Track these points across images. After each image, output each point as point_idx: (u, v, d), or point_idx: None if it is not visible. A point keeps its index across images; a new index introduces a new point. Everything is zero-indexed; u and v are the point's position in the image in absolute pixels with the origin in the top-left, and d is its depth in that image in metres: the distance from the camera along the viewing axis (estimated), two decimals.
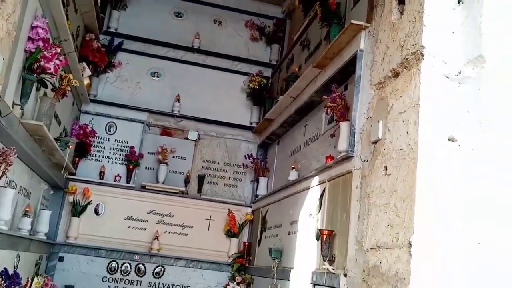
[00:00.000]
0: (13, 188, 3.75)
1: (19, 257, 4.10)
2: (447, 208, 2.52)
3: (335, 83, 4.03)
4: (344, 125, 3.70)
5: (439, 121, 2.57)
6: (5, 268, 3.31)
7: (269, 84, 6.79)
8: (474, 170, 2.46)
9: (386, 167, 2.93)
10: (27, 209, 4.31)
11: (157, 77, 6.78)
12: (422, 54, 2.62)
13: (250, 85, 6.66)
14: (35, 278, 4.66)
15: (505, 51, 2.45)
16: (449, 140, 2.57)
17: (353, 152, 3.48)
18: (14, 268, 3.89)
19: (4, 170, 3.12)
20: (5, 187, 3.54)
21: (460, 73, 2.59)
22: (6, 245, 3.65)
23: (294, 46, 5.87)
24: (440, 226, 2.51)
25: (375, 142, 3.13)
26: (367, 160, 3.24)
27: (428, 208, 2.52)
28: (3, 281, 3.14)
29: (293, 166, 5.08)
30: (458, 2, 2.66)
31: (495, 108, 2.44)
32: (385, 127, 3.00)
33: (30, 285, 3.97)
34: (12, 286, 3.13)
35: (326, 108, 3.95)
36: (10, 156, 3.10)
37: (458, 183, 2.50)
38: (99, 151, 6.35)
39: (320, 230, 3.71)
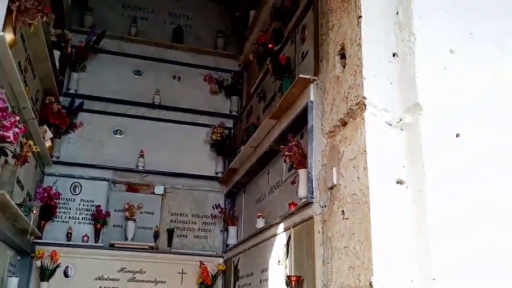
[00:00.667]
0: None
1: None
2: (401, 247, 2.63)
3: (291, 133, 4.17)
4: (302, 173, 3.82)
5: (386, 166, 2.73)
6: None
7: (231, 134, 6.93)
8: (421, 210, 2.60)
9: (343, 212, 3.05)
10: None
11: (120, 134, 6.82)
12: (364, 105, 2.81)
13: (213, 136, 6.78)
14: None
15: (438, 98, 2.65)
16: (397, 183, 2.72)
17: (313, 198, 3.59)
18: None
19: None
20: None
21: (401, 120, 2.77)
22: None
23: (252, 98, 6.06)
24: (397, 265, 2.62)
25: (331, 188, 3.25)
26: (326, 206, 3.35)
27: (384, 248, 2.63)
28: None
29: (260, 214, 5.14)
30: (393, 55, 2.87)
31: (435, 150, 2.61)
32: (338, 173, 3.13)
33: None
34: None
35: (284, 157, 4.07)
36: None
37: (408, 223, 2.63)
38: (65, 212, 6.28)
39: (288, 276, 3.76)
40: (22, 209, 4.49)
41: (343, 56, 3.22)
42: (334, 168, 3.20)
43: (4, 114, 3.47)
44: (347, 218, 2.97)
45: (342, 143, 3.12)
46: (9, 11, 3.39)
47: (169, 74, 7.24)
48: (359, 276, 2.73)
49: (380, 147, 2.77)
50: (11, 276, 5.04)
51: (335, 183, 3.18)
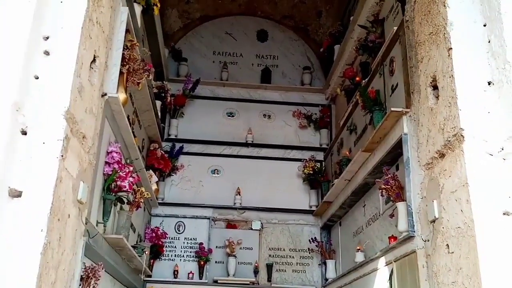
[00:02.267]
0: None
1: None
2: None
3: (385, 165, 4.15)
4: (401, 206, 3.76)
5: (490, 197, 2.64)
6: None
7: (323, 168, 6.97)
8: None
9: (448, 245, 2.96)
10: None
11: (217, 174, 7.13)
12: (462, 136, 2.76)
13: (305, 170, 6.87)
14: None
15: None
16: (504, 214, 2.62)
17: (414, 232, 3.51)
18: None
19: (94, 284, 3.40)
20: None
21: (502, 149, 2.69)
22: None
23: (342, 130, 6.08)
24: None
25: (433, 221, 3.18)
26: (429, 240, 3.27)
27: (495, 284, 2.53)
28: None
29: (358, 248, 5.08)
30: (489, 84, 2.81)
31: None
32: (440, 206, 3.06)
33: None
34: None
35: (380, 190, 4.04)
36: (99, 271, 3.39)
37: None
38: (171, 250, 6.63)
39: None
40: (135, 250, 4.82)
41: (435, 88, 3.20)
42: (435, 201, 3.14)
43: (120, 165, 3.82)
44: (453, 252, 2.89)
45: (442, 175, 3.06)
46: (120, 73, 3.76)
47: (260, 113, 7.49)
48: None
49: (482, 178, 2.69)
50: None
51: (437, 216, 3.11)
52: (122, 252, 4.42)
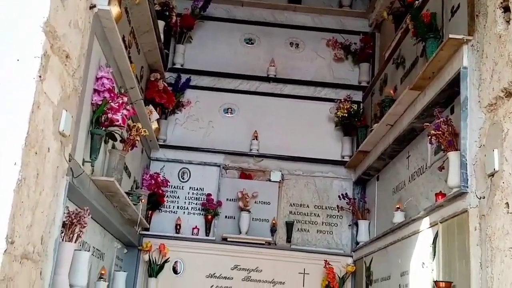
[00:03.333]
0: (87, 251, 4.12)
1: None
2: None
3: (438, 106, 4.06)
4: (453, 156, 3.71)
5: None
6: None
7: (361, 110, 6.88)
8: None
9: (507, 204, 2.93)
10: (102, 272, 4.68)
11: (231, 113, 7.11)
12: None
13: (338, 113, 6.79)
14: None
15: None
16: None
17: (467, 187, 3.47)
18: None
19: (79, 232, 3.46)
20: (80, 249, 3.89)
21: None
22: None
23: (387, 64, 5.95)
24: None
25: (492, 175, 3.14)
26: (484, 197, 3.24)
27: None
28: None
29: (398, 206, 5.08)
30: None
31: None
32: (501, 156, 3.01)
33: None
34: None
35: (429, 137, 3.98)
36: (85, 218, 3.44)
37: None
38: (173, 201, 6.73)
39: (435, 282, 3.71)
40: (130, 197, 4.90)
41: (506, 9, 3.06)
42: (495, 151, 3.08)
43: (112, 95, 3.80)
44: None
45: (507, 119, 2.99)
46: None
47: (286, 40, 7.36)
48: None
49: None
50: (119, 271, 5.53)
51: (497, 168, 3.07)
52: (114, 199, 4.49)
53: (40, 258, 2.93)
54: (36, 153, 2.71)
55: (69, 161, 3.28)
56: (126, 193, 4.73)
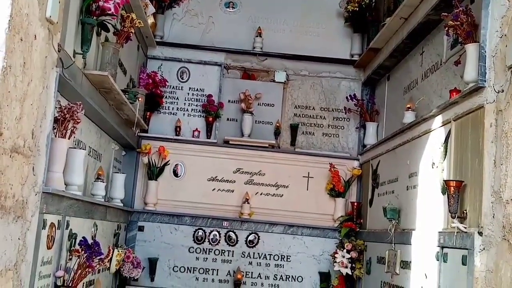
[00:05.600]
0: (83, 149, 4.12)
1: (96, 226, 4.54)
2: None
3: None
4: (471, 48, 3.59)
5: None
6: (83, 237, 3.70)
7: (373, 4, 6.65)
8: None
9: None
10: (100, 173, 4.72)
11: (233, 8, 6.91)
12: None
13: (348, 6, 6.56)
14: (115, 250, 5.14)
15: None
16: None
17: (485, 81, 3.39)
18: (92, 238, 4.33)
19: (72, 128, 3.44)
20: (75, 147, 3.89)
21: None
22: (81, 213, 4.05)
23: None
24: None
25: None
26: (503, 90, 3.16)
27: None
28: (82, 251, 3.52)
29: (409, 106, 5.03)
30: None
31: None
32: None
33: (112, 256, 4.38)
34: (93, 257, 3.50)
35: (447, 29, 3.85)
36: (77, 113, 3.41)
37: None
38: (172, 102, 6.69)
39: (446, 181, 3.71)
40: (126, 95, 4.84)
41: None
42: None
43: None
44: None
45: None
46: None
47: None
48: None
49: None
50: (118, 173, 5.59)
51: None
52: (109, 96, 4.44)
53: (32, 153, 2.92)
54: (21, 40, 2.63)
55: (59, 51, 3.19)
56: (122, 90, 4.67)
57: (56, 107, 3.30)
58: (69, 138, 3.47)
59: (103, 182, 4.67)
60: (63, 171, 3.52)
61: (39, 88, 2.95)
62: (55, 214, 3.41)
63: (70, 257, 3.67)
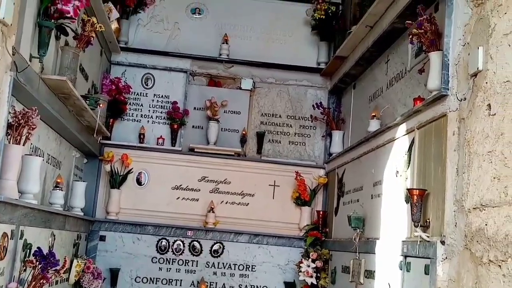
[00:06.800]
0: (40, 156, 4.00)
1: (54, 236, 4.41)
2: None
3: (421, 3, 3.91)
4: (434, 57, 3.62)
5: None
6: (38, 248, 3.58)
7: (340, 12, 6.68)
8: None
9: (489, 106, 2.90)
10: (58, 181, 4.59)
11: (199, 14, 6.87)
12: None
13: (315, 14, 6.59)
14: (75, 261, 5.02)
15: None
16: None
17: (447, 89, 3.42)
18: (50, 248, 4.20)
19: (27, 134, 3.34)
20: (31, 154, 3.78)
21: None
22: (37, 222, 3.92)
23: None
24: None
25: (475, 75, 3.08)
26: (465, 99, 3.19)
27: None
28: (37, 262, 3.41)
29: (374, 114, 5.04)
30: None
31: None
32: (486, 54, 2.94)
33: (70, 266, 4.25)
34: (48, 268, 3.39)
35: (411, 37, 3.87)
36: (33, 118, 3.31)
37: None
38: (136, 109, 6.59)
39: (409, 190, 3.71)
40: (87, 101, 4.74)
41: None
42: (480, 48, 3.00)
43: None
44: (495, 114, 2.82)
45: (495, 13, 2.89)
46: None
47: None
48: (506, 189, 2.63)
49: None
50: (78, 181, 5.46)
51: (480, 68, 2.99)
52: (68, 102, 4.34)
53: None
54: None
55: (13, 54, 3.09)
56: (83, 96, 4.57)
57: (10, 112, 3.20)
58: (23, 145, 3.36)
59: (61, 190, 4.54)
60: (18, 179, 3.42)
61: None
62: (8, 224, 3.30)
63: (24, 268, 3.54)
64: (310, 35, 6.90)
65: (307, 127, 6.85)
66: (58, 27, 3.70)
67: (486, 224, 2.77)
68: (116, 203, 6.23)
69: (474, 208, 2.93)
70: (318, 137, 6.82)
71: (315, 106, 6.62)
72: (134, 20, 6.71)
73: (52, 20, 3.61)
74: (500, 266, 2.60)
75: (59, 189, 4.54)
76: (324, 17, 6.51)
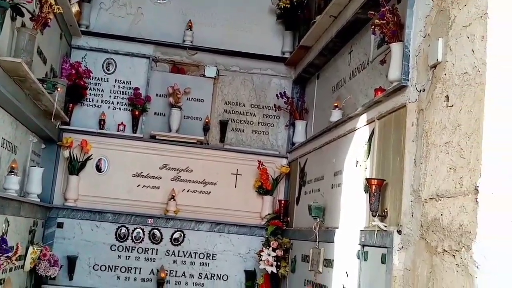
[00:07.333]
0: None
1: (8, 222, 4.31)
2: None
3: None
4: (396, 48, 3.64)
5: None
6: None
7: (305, 1, 6.67)
8: None
9: (447, 97, 2.91)
10: (13, 166, 4.49)
11: None
12: None
13: (280, 3, 6.58)
14: (30, 247, 4.92)
15: None
16: None
17: (407, 80, 3.45)
18: (2, 234, 4.10)
19: None
20: None
21: None
22: None
23: None
24: None
25: (434, 66, 3.10)
26: (424, 90, 3.21)
27: (499, 145, 2.50)
28: None
29: (336, 104, 5.06)
30: None
31: None
32: (446, 46, 2.95)
33: (25, 253, 4.16)
34: (0, 254, 3.31)
35: (373, 27, 3.88)
36: None
37: None
38: (96, 94, 6.49)
39: (367, 179, 3.73)
40: (44, 85, 4.64)
41: None
42: (440, 40, 3.01)
43: None
44: (452, 106, 2.83)
45: (455, 5, 2.90)
46: None
47: None
48: (462, 180, 2.65)
49: (506, 9, 2.54)
50: (35, 166, 5.34)
51: (440, 59, 3.01)
52: (24, 85, 4.23)
53: None
54: None
55: None
56: (40, 80, 4.47)
57: None
58: None
59: (16, 175, 4.45)
60: None
61: None
62: None
63: None
64: (275, 24, 6.89)
65: (270, 117, 6.85)
66: (14, 7, 3.61)
67: (441, 214, 2.80)
68: (74, 189, 6.13)
69: (430, 199, 2.96)
70: (281, 126, 6.82)
71: (279, 95, 6.61)
72: (96, 4, 6.59)
73: (7, 0, 3.51)
74: (454, 255, 2.63)
75: (14, 174, 4.45)
76: (289, 6, 6.51)
